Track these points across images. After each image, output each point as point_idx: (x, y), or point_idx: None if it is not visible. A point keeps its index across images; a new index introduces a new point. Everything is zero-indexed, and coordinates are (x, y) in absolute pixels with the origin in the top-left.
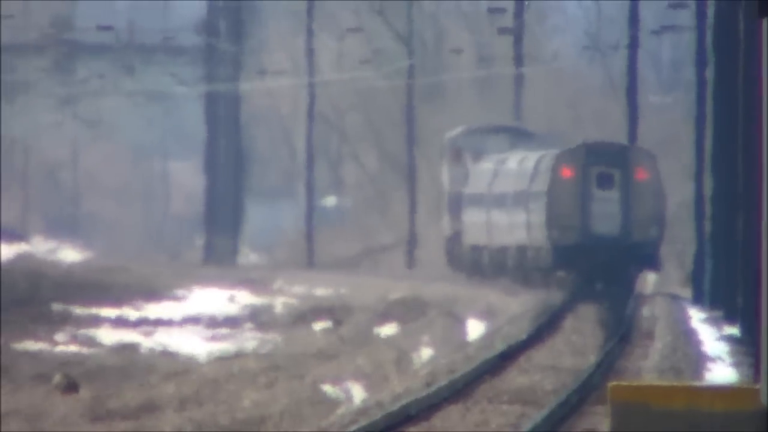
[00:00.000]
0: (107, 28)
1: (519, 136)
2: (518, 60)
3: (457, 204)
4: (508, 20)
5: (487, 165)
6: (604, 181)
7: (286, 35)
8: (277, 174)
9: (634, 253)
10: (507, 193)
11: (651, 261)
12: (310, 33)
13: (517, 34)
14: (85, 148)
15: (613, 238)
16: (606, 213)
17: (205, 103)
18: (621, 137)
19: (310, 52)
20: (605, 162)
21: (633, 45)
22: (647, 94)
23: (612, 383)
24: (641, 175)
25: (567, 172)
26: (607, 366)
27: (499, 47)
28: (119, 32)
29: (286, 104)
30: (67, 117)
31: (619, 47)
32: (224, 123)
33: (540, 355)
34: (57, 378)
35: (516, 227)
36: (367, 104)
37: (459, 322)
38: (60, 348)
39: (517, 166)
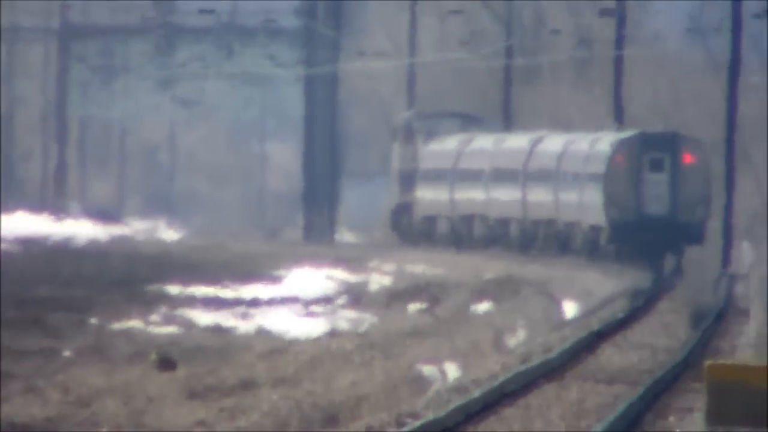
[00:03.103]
0: (209, 12)
1: (468, 120)
2: (619, 41)
3: (407, 179)
4: (609, 2)
5: (449, 144)
6: (655, 166)
7: (386, 18)
8: (377, 155)
9: (681, 231)
10: (512, 171)
11: (696, 238)
12: (413, 15)
13: (620, 15)
14: (183, 130)
15: (663, 217)
16: (656, 194)
17: (304, 85)
18: (721, 118)
19: (413, 33)
20: (656, 148)
21: (736, 27)
22: (748, 75)
23: (709, 362)
24: (688, 159)
25: (621, 158)
26: (702, 345)
27: (600, 29)
28: (220, 15)
29: (386, 86)
30: (166, 99)
31: (721, 29)
32: (322, 104)
33: (634, 334)
34: (153, 356)
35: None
36: (466, 86)
37: (553, 302)
38: (156, 328)
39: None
